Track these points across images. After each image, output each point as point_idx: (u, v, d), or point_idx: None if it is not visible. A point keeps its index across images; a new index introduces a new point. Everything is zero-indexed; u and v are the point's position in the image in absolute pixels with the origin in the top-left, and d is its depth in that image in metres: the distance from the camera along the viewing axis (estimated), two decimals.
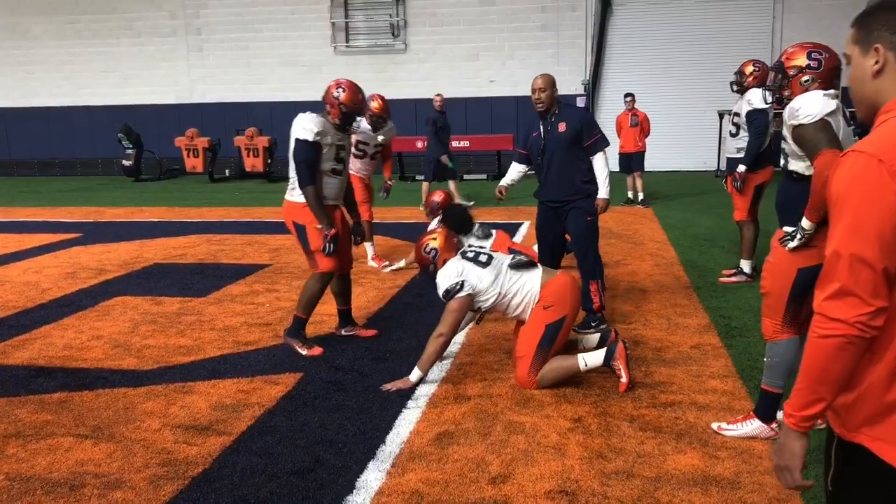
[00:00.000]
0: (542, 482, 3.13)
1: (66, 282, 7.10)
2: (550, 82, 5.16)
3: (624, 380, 4.07)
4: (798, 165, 3.30)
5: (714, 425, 3.61)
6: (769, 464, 3.25)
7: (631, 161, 12.13)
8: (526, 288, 4.23)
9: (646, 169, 12.31)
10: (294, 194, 4.72)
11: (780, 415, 3.57)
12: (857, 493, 1.58)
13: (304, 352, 4.77)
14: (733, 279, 6.62)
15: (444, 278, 4.23)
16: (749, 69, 6.52)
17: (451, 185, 11.78)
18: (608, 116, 16.30)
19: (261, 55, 19.51)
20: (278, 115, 19.20)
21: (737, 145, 6.59)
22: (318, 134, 4.57)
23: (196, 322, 5.65)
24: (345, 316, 5.24)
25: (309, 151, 4.57)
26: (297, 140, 4.57)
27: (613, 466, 3.26)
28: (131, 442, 3.58)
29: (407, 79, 18.76)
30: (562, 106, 5.23)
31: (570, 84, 17.71)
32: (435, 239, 4.47)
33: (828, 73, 3.30)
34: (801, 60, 3.34)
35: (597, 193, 5.19)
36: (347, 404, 4.02)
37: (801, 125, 3.17)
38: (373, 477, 3.20)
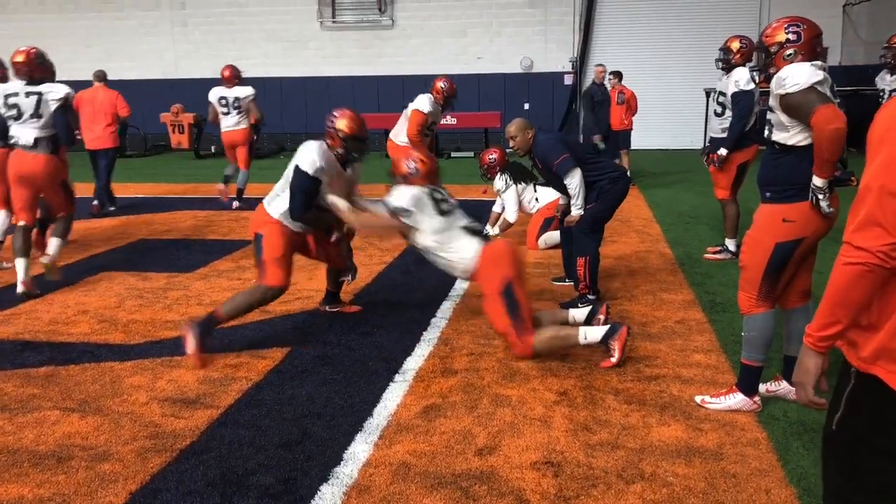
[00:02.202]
0: (528, 453, 3.17)
1: None
2: (520, 127, 5.21)
3: (614, 359, 4.09)
4: (780, 136, 3.32)
5: (698, 398, 3.66)
6: (752, 435, 3.31)
7: (617, 139, 12.10)
8: (462, 252, 4.32)
9: (632, 147, 12.31)
10: (270, 206, 4.58)
11: (762, 388, 3.63)
12: (860, 426, 1.70)
13: (191, 349, 4.17)
14: (718, 256, 6.66)
15: (400, 198, 4.38)
16: (735, 45, 6.33)
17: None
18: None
19: (246, 30, 19.23)
20: (263, 90, 19.03)
21: (722, 125, 6.47)
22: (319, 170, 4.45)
23: (183, 297, 5.64)
24: (332, 295, 5.24)
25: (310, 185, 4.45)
26: (298, 170, 4.44)
27: (598, 438, 3.30)
28: (118, 415, 3.59)
29: (393, 55, 18.59)
30: (535, 142, 5.20)
31: (558, 61, 17.64)
32: (423, 162, 4.55)
33: (809, 44, 3.31)
34: (781, 36, 3.36)
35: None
36: (335, 378, 4.04)
37: (788, 94, 3.19)
38: (360, 449, 3.23)
